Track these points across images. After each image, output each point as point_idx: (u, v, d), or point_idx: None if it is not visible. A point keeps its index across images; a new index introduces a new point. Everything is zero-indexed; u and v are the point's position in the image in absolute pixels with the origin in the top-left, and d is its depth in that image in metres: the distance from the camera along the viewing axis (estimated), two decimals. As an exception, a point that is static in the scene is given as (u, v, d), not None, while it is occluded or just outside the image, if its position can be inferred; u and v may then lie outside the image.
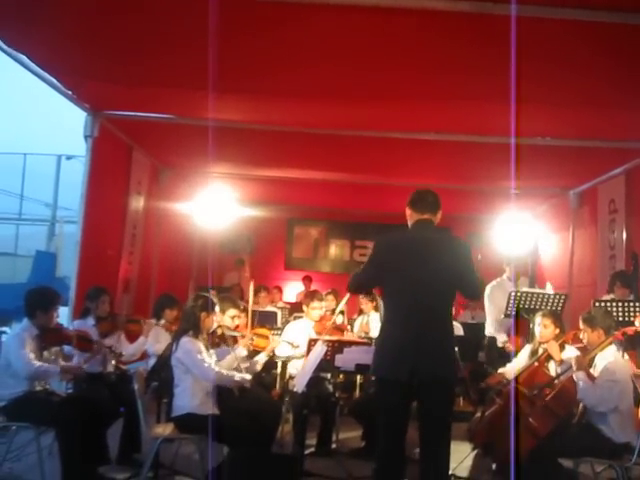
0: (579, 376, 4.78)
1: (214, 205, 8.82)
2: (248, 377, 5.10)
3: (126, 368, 6.07)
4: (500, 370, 5.74)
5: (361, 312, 8.54)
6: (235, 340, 5.58)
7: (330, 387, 6.28)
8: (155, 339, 6.11)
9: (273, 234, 12.71)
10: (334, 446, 6.36)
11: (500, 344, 7.34)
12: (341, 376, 6.60)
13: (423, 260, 3.97)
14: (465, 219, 11.56)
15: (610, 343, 4.91)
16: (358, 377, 6.93)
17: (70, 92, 6.30)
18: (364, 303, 8.23)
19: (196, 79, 5.63)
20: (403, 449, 4.06)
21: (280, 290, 11.25)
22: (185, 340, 4.89)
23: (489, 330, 7.47)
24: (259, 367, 5.91)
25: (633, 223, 7.53)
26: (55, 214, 17.95)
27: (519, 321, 6.43)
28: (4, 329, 11.42)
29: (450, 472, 5.38)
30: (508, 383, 5.30)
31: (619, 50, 4.66)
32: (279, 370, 6.61)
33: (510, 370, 5.62)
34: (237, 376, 5.03)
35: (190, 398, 4.79)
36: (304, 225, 13.25)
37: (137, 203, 8.24)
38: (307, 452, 5.99)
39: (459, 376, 5.10)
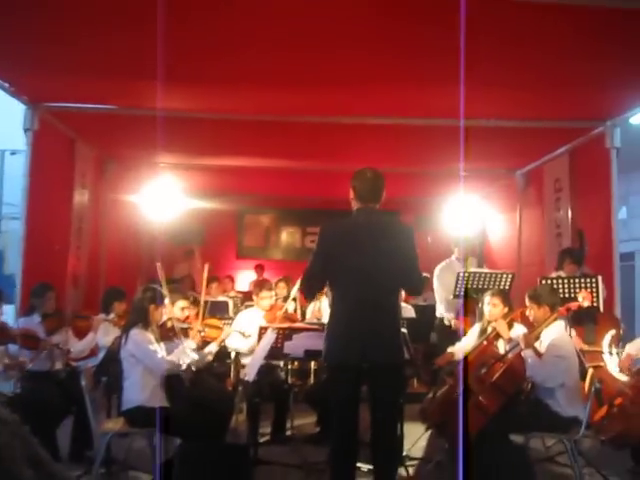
0: (527, 353, 4.86)
1: (162, 196, 8.71)
2: (195, 357, 5.06)
3: (76, 365, 5.98)
4: (449, 349, 5.80)
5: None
6: (185, 332, 5.53)
7: (282, 374, 6.28)
8: (104, 333, 6.02)
9: (224, 223, 12.65)
10: (289, 433, 6.38)
11: (447, 322, 7.43)
12: (295, 363, 6.61)
13: (367, 247, 3.98)
14: (414, 202, 11.64)
15: (555, 319, 5.00)
16: (312, 364, 6.94)
17: (6, 84, 6.13)
18: (316, 289, 8.22)
19: (139, 68, 5.55)
20: (356, 432, 4.09)
21: (232, 279, 11.20)
22: (135, 332, 4.84)
23: (439, 311, 7.54)
24: (210, 357, 5.87)
25: (578, 201, 7.67)
26: (0, 210, 17.59)
27: (468, 301, 6.51)
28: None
29: (404, 453, 5.49)
30: (458, 363, 5.36)
31: (561, 30, 4.70)
32: (232, 360, 6.59)
33: (459, 349, 5.69)
34: (187, 360, 4.99)
35: (139, 391, 4.75)
36: (254, 213, 13.21)
37: (82, 197, 8.08)
38: (262, 440, 6.00)
39: (410, 358, 5.16)
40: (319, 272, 4.13)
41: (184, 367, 4.99)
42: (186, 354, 5.12)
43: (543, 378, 4.80)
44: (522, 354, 4.88)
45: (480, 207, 8.96)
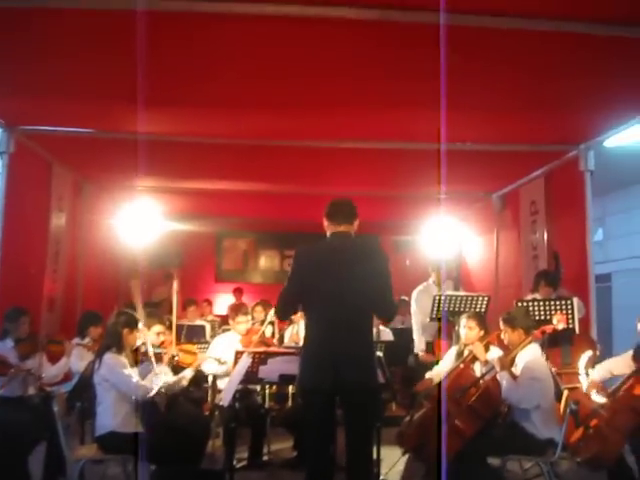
0: (502, 375, 4.87)
1: (140, 219, 8.67)
2: (169, 380, 5.01)
3: (50, 390, 5.90)
4: (427, 375, 5.80)
5: (291, 322, 8.51)
6: (159, 357, 5.49)
7: (259, 399, 6.24)
8: (78, 358, 5.96)
9: (202, 247, 12.64)
10: (266, 458, 6.33)
11: (417, 351, 7.44)
12: (273, 387, 6.58)
13: (340, 272, 4.01)
14: (393, 225, 11.71)
15: (530, 342, 5.02)
16: (290, 388, 6.90)
17: (-20, 108, 6.11)
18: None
19: (117, 91, 5.53)
20: (331, 457, 4.08)
21: (210, 303, 11.15)
22: (108, 356, 4.81)
23: (414, 334, 7.56)
24: (185, 382, 5.82)
25: (553, 224, 7.71)
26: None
27: (445, 324, 6.52)
28: None
29: (382, 477, 5.46)
30: (435, 386, 5.36)
31: (535, 56, 4.76)
32: (210, 384, 6.54)
33: (437, 374, 5.69)
34: (159, 383, 4.95)
35: (113, 416, 4.70)
36: (233, 237, 13.20)
37: (59, 220, 8.03)
38: (239, 465, 5.95)
39: (386, 382, 5.16)
40: (293, 295, 4.16)
41: (155, 391, 4.93)
42: (158, 378, 5.08)
43: (518, 399, 4.81)
44: (497, 376, 4.89)
45: (457, 230, 8.99)
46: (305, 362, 4.08)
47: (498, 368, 4.93)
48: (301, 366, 4.10)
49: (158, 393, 5.09)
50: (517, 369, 4.95)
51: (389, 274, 4.12)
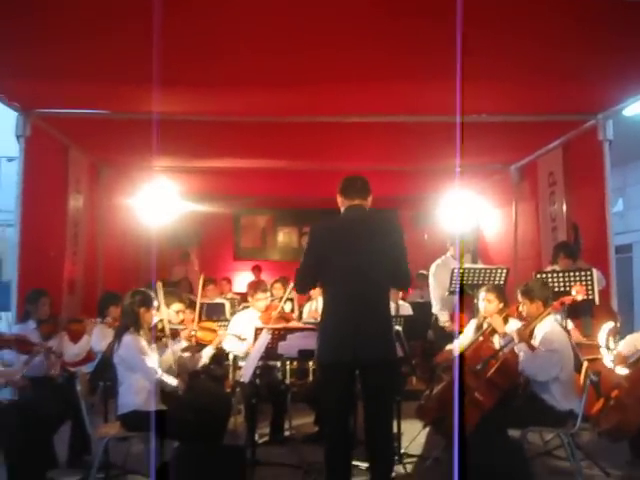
0: (520, 347, 4.87)
1: (158, 200, 8.71)
2: (174, 382, 5.02)
3: (74, 370, 5.97)
4: (448, 347, 5.81)
5: (309, 298, 8.57)
6: (177, 333, 5.54)
7: (280, 375, 6.28)
8: (100, 337, 6.00)
9: (220, 226, 12.67)
10: (287, 433, 6.37)
11: (442, 323, 7.43)
12: (294, 363, 6.61)
13: (356, 246, 4.04)
14: (410, 199, 11.68)
15: (549, 314, 5.00)
16: (310, 363, 6.94)
17: (-3, 92, 6.15)
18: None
19: (131, 72, 5.55)
20: (349, 430, 4.12)
21: (229, 281, 11.19)
22: (127, 338, 4.85)
23: (435, 308, 7.55)
24: (206, 360, 5.87)
25: (572, 194, 7.66)
26: (-3, 217, 17.57)
27: (464, 297, 6.51)
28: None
29: (402, 450, 5.50)
30: (454, 359, 5.37)
31: (553, 23, 4.69)
32: (231, 362, 6.59)
33: (457, 346, 5.69)
34: (169, 382, 4.98)
35: (134, 395, 4.76)
36: (251, 215, 13.23)
37: (77, 202, 8.08)
38: (261, 441, 6.01)
39: (406, 356, 5.18)
40: (310, 269, 4.21)
41: (160, 374, 4.95)
42: (175, 355, 5.16)
43: (535, 372, 4.81)
44: (515, 349, 4.88)
45: (475, 202, 8.94)
46: (323, 336, 4.11)
47: (516, 340, 4.92)
48: (319, 340, 4.13)
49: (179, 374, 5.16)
50: (536, 341, 4.94)
51: (404, 246, 4.15)
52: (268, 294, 6.66)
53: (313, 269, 4.20)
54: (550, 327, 4.94)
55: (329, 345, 4.05)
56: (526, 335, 4.94)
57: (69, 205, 7.86)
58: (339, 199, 4.27)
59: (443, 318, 7.43)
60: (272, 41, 5.04)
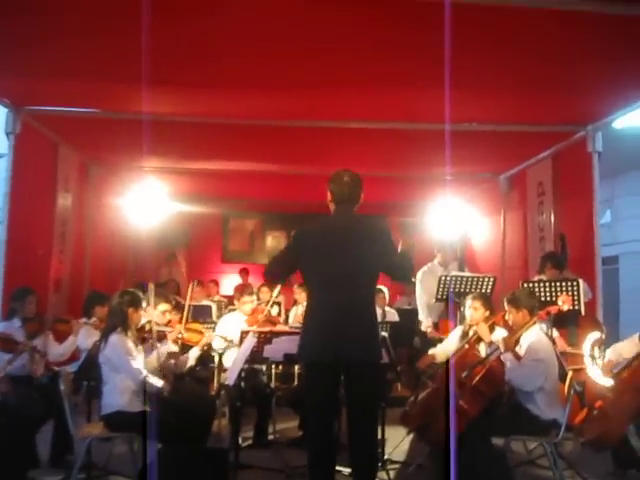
0: (506, 357, 4.88)
1: (147, 200, 8.68)
2: (159, 384, 5.00)
3: (57, 369, 5.94)
4: (430, 351, 5.82)
5: (295, 302, 8.56)
6: (164, 335, 5.53)
7: (265, 379, 6.27)
8: (85, 336, 5.99)
9: (209, 228, 12.63)
10: (272, 437, 6.37)
11: (423, 328, 7.45)
12: (279, 367, 6.61)
13: (343, 250, 4.02)
14: (399, 206, 11.68)
15: (534, 323, 5.01)
16: (296, 368, 6.93)
17: (-14, 88, 6.12)
18: (298, 293, 8.26)
19: (123, 71, 5.52)
20: (333, 433, 4.11)
21: (216, 284, 11.17)
22: (114, 338, 4.84)
23: (420, 315, 7.57)
24: (193, 362, 5.86)
25: (560, 205, 7.70)
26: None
27: (450, 305, 6.53)
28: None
29: (386, 457, 5.50)
30: (439, 366, 5.37)
31: (543, 34, 4.73)
32: (216, 364, 6.57)
33: (440, 351, 5.71)
34: (155, 383, 4.95)
35: (119, 395, 4.74)
36: (240, 217, 13.18)
37: (65, 200, 8.05)
38: (245, 444, 6.00)
39: (391, 362, 5.18)
40: (287, 266, 4.28)
41: (145, 375, 4.92)
42: (161, 358, 5.15)
43: (521, 382, 4.82)
44: (501, 357, 4.90)
45: (464, 211, 8.96)
46: (306, 336, 4.09)
47: (502, 349, 4.93)
48: (301, 340, 4.11)
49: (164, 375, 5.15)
50: (521, 349, 4.96)
51: (395, 246, 4.15)
52: (255, 297, 6.67)
53: (288, 266, 4.27)
54: (536, 336, 4.95)
55: (311, 343, 4.02)
56: (512, 344, 4.95)
57: (57, 203, 7.82)
58: (328, 195, 4.25)
59: (426, 323, 7.45)
60: (264, 45, 5.04)
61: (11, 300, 5.92)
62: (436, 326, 7.52)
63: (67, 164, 8.12)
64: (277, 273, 4.46)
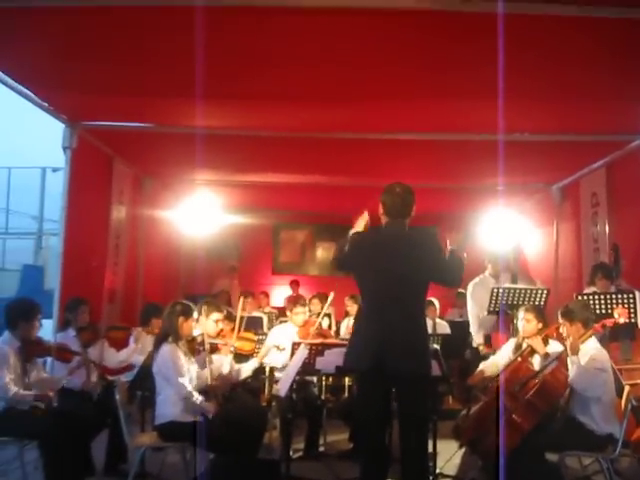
0: (573, 360, 4.78)
1: (199, 212, 8.80)
2: (203, 405, 5.01)
3: (112, 379, 6.05)
4: (480, 366, 5.75)
5: (347, 314, 8.55)
6: (217, 347, 5.58)
7: (316, 390, 6.28)
8: (145, 347, 6.08)
9: (259, 239, 12.69)
10: (322, 449, 6.36)
11: (475, 344, 7.35)
12: (330, 379, 6.60)
13: (394, 258, 4.04)
14: (450, 217, 11.56)
15: (590, 336, 4.92)
16: (347, 379, 6.93)
17: (45, 104, 6.27)
18: (349, 305, 8.25)
19: (176, 87, 5.62)
20: (384, 446, 4.10)
21: (267, 295, 11.22)
22: (165, 349, 4.90)
23: (472, 328, 7.48)
24: (249, 373, 5.93)
25: (615, 215, 7.55)
26: (42, 227, 17.89)
27: (503, 317, 6.45)
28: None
29: (438, 470, 5.43)
30: (492, 380, 5.31)
31: (597, 43, 4.66)
32: (267, 375, 6.61)
33: (489, 365, 5.64)
34: (197, 401, 4.96)
35: (172, 406, 4.79)
36: (290, 229, 13.22)
37: (119, 213, 8.21)
38: (295, 456, 6.00)
39: (443, 374, 5.13)
40: (346, 261, 4.30)
41: (191, 389, 4.95)
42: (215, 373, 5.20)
43: (584, 387, 4.69)
44: (568, 360, 4.80)
45: (516, 222, 8.86)
46: (352, 343, 4.16)
47: (570, 353, 4.83)
48: (349, 346, 4.17)
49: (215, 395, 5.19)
50: (581, 361, 4.86)
51: (444, 255, 4.17)
52: (307, 309, 6.69)
53: (347, 262, 4.31)
54: (595, 348, 4.85)
55: (359, 355, 4.07)
56: (577, 348, 4.85)
57: (112, 216, 7.98)
58: (380, 211, 4.27)
59: (478, 340, 7.36)
60: (315, 58, 5.07)
61: (65, 310, 6.07)
62: (488, 339, 7.42)
63: (121, 177, 8.28)
64: (339, 260, 4.42)
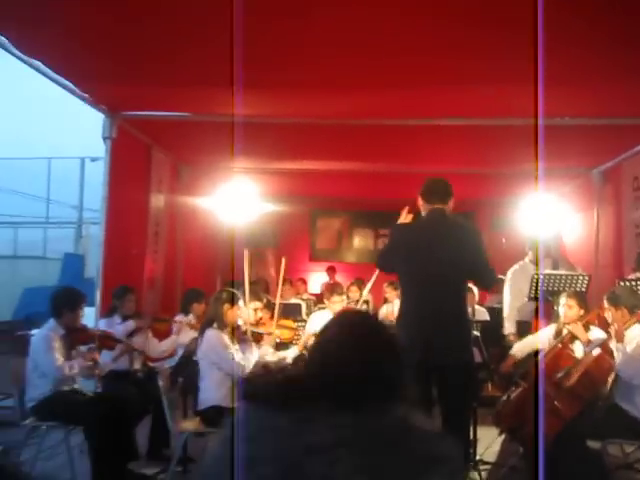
0: (619, 347, 4.74)
1: (236, 200, 8.84)
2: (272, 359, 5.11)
3: (154, 365, 6.14)
4: (512, 351, 5.73)
5: (386, 301, 8.55)
6: (261, 337, 5.63)
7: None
8: (183, 334, 6.16)
9: (297, 226, 12.74)
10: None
11: (505, 332, 7.28)
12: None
13: (435, 249, 4.07)
14: (490, 203, 11.51)
15: (635, 322, 4.86)
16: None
17: (86, 95, 6.34)
18: (388, 292, 8.24)
19: (213, 76, 5.62)
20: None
21: (304, 282, 11.27)
22: (210, 334, 4.96)
23: (505, 313, 7.41)
24: (290, 361, 5.96)
25: (658, 200, 7.43)
26: (82, 216, 18.10)
27: (542, 304, 6.39)
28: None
29: (478, 457, 5.44)
30: (526, 363, 5.29)
31: (637, 23, 4.57)
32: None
33: (523, 346, 5.61)
34: (254, 360, 5.03)
35: (215, 391, 4.86)
36: (327, 216, 13.25)
37: (158, 202, 8.29)
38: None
39: (483, 361, 5.12)
40: (388, 262, 4.43)
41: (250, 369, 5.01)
42: (253, 357, 5.22)
43: (631, 375, 4.65)
44: (613, 348, 4.76)
45: (556, 207, 8.74)
46: (397, 331, 4.10)
47: (615, 340, 4.79)
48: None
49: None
50: (627, 348, 4.80)
51: (483, 247, 4.14)
52: (344, 297, 6.70)
53: (389, 262, 4.41)
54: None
55: (403, 342, 4.04)
56: (623, 335, 4.80)
57: (151, 204, 8.05)
58: (420, 202, 4.29)
59: (509, 329, 7.27)
60: (353, 44, 5.04)
61: (113, 297, 6.15)
62: (524, 325, 7.32)
63: (160, 166, 8.35)
64: (382, 263, 4.57)
